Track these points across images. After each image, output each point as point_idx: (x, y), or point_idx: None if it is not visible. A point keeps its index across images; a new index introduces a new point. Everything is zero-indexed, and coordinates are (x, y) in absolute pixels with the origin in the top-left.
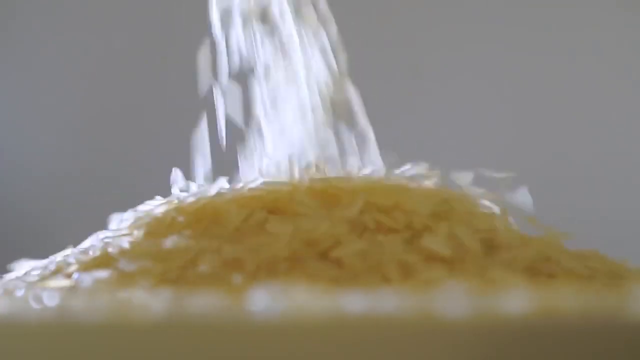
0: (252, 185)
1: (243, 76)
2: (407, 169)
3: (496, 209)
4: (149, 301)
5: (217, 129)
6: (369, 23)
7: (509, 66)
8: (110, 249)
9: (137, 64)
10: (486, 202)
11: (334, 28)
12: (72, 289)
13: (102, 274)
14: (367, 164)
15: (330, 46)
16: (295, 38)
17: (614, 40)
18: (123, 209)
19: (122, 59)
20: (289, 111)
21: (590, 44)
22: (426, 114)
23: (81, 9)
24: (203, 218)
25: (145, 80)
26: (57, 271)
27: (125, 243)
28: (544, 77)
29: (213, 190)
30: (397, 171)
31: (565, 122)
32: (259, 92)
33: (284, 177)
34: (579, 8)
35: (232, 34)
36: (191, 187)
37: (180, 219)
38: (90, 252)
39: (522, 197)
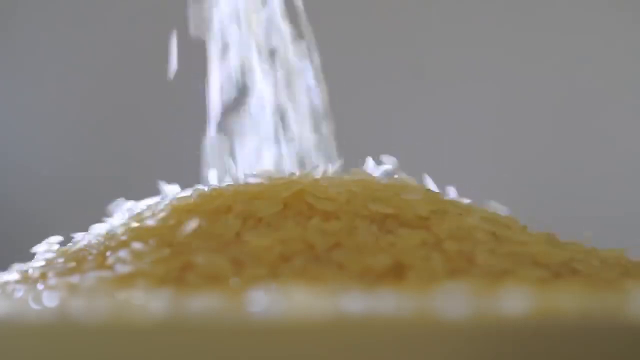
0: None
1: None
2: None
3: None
4: (149, 302)
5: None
6: (369, 23)
7: (508, 66)
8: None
9: (137, 64)
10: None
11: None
12: (72, 289)
13: (102, 274)
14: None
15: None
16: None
17: (614, 40)
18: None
19: (122, 59)
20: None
21: (590, 44)
22: (426, 114)
23: (81, 9)
24: (204, 218)
25: (146, 80)
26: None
27: (124, 243)
28: (544, 77)
29: (213, 189)
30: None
31: (565, 122)
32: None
33: (283, 178)
34: (579, 8)
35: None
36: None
37: (181, 218)
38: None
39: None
